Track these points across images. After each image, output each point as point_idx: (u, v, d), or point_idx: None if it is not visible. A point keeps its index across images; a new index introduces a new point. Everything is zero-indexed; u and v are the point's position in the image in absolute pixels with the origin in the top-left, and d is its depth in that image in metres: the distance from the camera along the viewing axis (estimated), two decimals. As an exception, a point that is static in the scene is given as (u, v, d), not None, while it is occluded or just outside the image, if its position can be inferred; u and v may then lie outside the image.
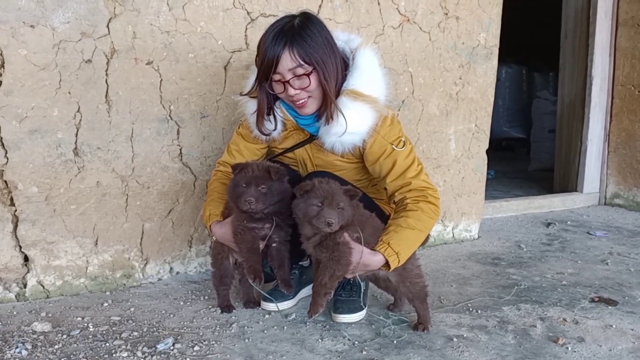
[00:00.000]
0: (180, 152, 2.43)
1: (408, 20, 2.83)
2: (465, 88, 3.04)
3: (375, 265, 1.87)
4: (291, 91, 1.90)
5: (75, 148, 2.23)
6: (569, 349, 1.85)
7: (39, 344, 1.85)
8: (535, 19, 7.47)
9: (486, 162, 3.22)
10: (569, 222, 3.65)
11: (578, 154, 4.26)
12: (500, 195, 4.19)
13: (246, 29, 2.46)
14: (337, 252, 1.82)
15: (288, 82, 1.89)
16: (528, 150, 6.31)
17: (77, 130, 2.22)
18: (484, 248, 3.08)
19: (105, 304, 2.21)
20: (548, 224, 3.57)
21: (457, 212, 3.17)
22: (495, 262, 2.83)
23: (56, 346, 1.83)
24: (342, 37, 2.01)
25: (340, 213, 1.78)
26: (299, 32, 1.85)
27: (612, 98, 4.14)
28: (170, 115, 2.38)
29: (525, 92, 7.44)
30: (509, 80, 7.25)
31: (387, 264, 1.85)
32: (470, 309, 2.19)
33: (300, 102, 1.94)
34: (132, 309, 2.16)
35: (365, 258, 1.84)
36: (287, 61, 1.86)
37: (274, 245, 2.03)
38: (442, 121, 3.01)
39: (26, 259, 2.23)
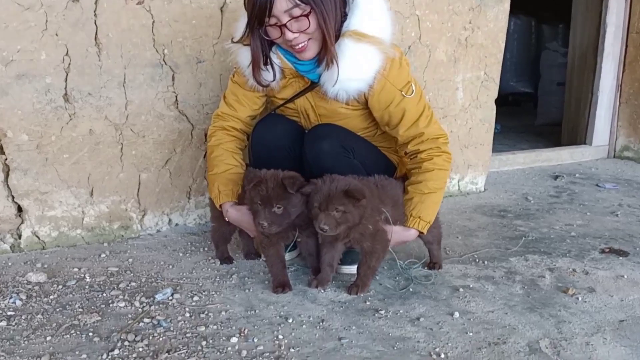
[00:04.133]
0: (176, 100, 2.33)
1: (416, -41, 2.66)
2: (475, 33, 2.89)
3: (411, 238, 1.90)
4: (289, 35, 1.74)
5: (65, 94, 2.13)
6: (579, 299, 1.80)
7: (34, 294, 1.81)
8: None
9: (495, 112, 3.11)
10: (577, 175, 3.56)
11: (588, 105, 4.12)
12: (506, 149, 4.08)
13: (243, -34, 2.30)
14: (378, 237, 1.79)
15: (285, 25, 1.72)
16: (535, 105, 6.15)
17: (67, 75, 2.11)
18: (490, 200, 3.01)
19: (103, 255, 2.16)
20: (556, 177, 3.49)
21: (464, 164, 3.08)
22: (502, 214, 2.76)
23: (51, 296, 1.79)
24: None
25: (342, 216, 1.69)
26: None
27: (626, 47, 3.97)
28: (164, 60, 2.26)
29: (534, 45, 7.21)
30: (517, 32, 6.99)
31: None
32: (477, 260, 2.14)
33: (300, 46, 1.78)
34: (130, 260, 2.11)
35: (398, 236, 1.85)
36: (282, 2, 1.69)
37: (299, 240, 1.92)
38: (449, 68, 2.88)
39: (20, 209, 2.17)
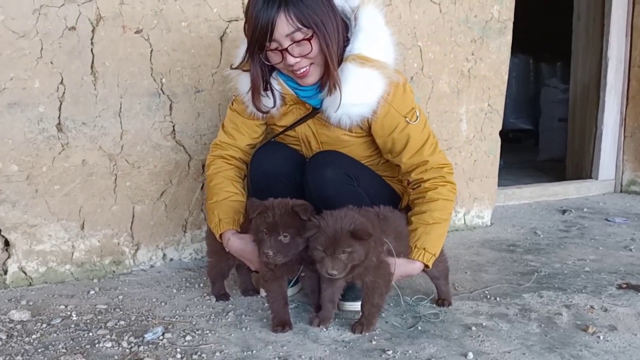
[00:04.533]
0: (173, 130, 2.26)
1: (417, -9, 2.65)
2: (478, 64, 2.85)
3: (416, 271, 1.80)
4: (291, 60, 1.69)
5: (59, 123, 2.06)
6: (601, 338, 1.67)
7: (15, 333, 1.68)
8: (540, 11, 7.26)
9: (499, 144, 3.05)
10: (585, 209, 3.47)
11: (593, 140, 4.07)
12: (511, 184, 4.00)
13: (244, -4, 2.29)
14: (380, 270, 1.69)
15: (286, 50, 1.68)
16: (535, 142, 6.12)
17: (61, 104, 2.05)
18: (498, 235, 2.90)
19: (92, 292, 2.04)
20: (564, 211, 3.39)
21: (469, 197, 2.99)
22: (511, 248, 2.65)
23: (33, 336, 1.66)
24: None
25: (349, 257, 1.59)
26: None
27: (629, 80, 3.95)
28: (161, 89, 2.21)
29: (532, 83, 7.26)
30: (515, 71, 7.02)
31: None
32: (488, 297, 2.01)
33: (302, 71, 1.73)
34: (120, 297, 1.99)
35: (402, 269, 1.75)
36: (284, 26, 1.64)
37: (303, 274, 1.81)
38: (453, 100, 2.83)
39: (7, 243, 2.07)
